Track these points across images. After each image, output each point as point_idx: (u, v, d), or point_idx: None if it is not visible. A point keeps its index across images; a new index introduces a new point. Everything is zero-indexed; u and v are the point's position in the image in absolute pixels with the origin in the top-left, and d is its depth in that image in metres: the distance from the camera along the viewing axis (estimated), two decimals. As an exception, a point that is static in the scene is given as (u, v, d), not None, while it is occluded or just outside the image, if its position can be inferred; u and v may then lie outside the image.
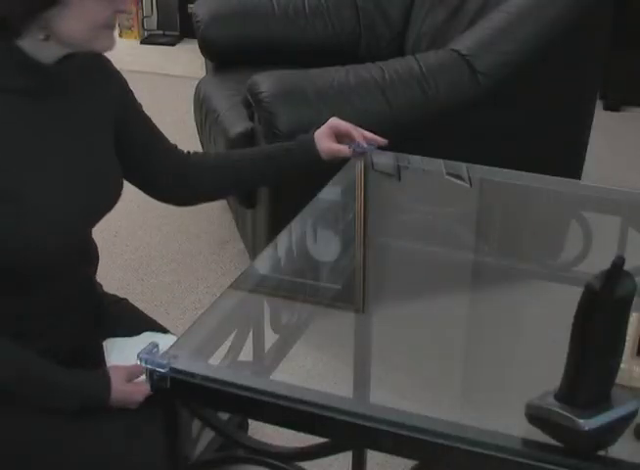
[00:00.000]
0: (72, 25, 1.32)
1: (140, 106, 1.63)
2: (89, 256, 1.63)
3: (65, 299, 1.54)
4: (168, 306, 2.57)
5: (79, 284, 1.59)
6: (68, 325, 1.56)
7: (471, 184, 1.70)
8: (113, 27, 1.38)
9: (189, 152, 1.71)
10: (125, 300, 1.80)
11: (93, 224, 1.56)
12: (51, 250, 1.42)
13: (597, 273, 0.93)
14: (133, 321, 1.73)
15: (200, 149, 2.97)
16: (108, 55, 1.50)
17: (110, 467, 1.50)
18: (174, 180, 1.66)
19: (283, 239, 1.50)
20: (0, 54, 1.33)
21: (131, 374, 1.53)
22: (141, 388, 1.48)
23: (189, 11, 3.17)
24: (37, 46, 1.34)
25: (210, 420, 1.15)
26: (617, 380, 0.98)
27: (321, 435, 1.07)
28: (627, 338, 1.09)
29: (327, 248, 1.66)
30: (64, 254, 1.45)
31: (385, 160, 1.71)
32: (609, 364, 0.97)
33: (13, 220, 1.35)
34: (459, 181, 1.69)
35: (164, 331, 1.73)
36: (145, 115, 1.64)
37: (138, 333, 1.65)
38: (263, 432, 1.71)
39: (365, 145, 1.66)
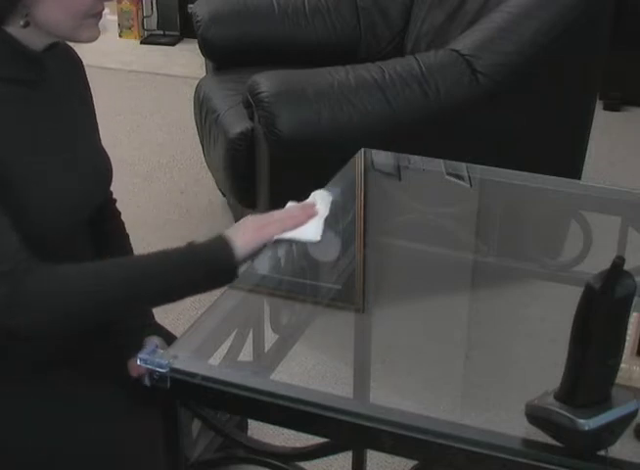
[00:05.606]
0: (52, 11, 1.31)
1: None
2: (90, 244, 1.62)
3: None
4: (168, 306, 2.56)
5: None
6: None
7: (471, 184, 1.70)
8: (97, 17, 1.36)
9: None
10: None
11: (90, 208, 1.54)
12: (55, 232, 1.40)
13: (597, 273, 0.93)
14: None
15: (200, 149, 2.97)
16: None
17: (109, 467, 1.50)
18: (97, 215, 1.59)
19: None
20: None
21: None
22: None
23: (189, 11, 3.16)
24: (23, 34, 1.33)
25: (210, 420, 1.15)
26: (617, 380, 0.98)
27: (321, 435, 1.08)
28: (627, 338, 1.10)
29: (327, 248, 1.66)
30: (68, 238, 1.44)
31: (385, 160, 1.71)
32: (609, 364, 0.97)
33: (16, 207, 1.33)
34: (459, 181, 1.69)
35: (167, 334, 1.73)
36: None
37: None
38: (263, 432, 1.71)
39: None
